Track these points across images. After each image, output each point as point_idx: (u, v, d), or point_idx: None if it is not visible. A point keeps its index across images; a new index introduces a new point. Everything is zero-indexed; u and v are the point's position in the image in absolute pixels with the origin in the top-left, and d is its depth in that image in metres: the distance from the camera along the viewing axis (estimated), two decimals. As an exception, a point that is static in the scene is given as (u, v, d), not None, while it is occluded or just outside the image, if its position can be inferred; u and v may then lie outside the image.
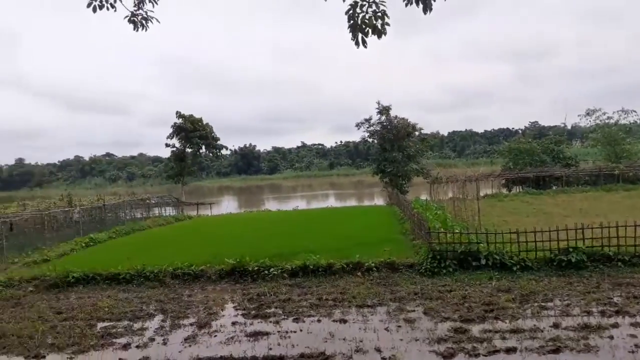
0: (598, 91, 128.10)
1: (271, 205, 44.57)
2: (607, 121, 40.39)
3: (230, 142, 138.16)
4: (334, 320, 8.15)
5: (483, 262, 11.07)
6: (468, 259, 11.28)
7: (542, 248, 11.20)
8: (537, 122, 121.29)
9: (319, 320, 8.20)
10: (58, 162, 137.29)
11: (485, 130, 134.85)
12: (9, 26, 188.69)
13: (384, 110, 36.28)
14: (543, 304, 8.48)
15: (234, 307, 9.44)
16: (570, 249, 10.88)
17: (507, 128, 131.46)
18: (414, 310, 8.47)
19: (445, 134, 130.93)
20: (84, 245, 18.85)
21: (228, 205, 48.27)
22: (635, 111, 40.69)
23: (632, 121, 41.30)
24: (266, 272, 11.67)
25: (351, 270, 11.54)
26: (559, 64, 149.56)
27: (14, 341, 7.84)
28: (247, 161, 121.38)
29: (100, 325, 8.60)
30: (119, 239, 20.90)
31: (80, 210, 22.86)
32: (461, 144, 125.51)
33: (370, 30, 6.46)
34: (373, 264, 11.61)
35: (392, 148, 35.18)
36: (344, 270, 11.52)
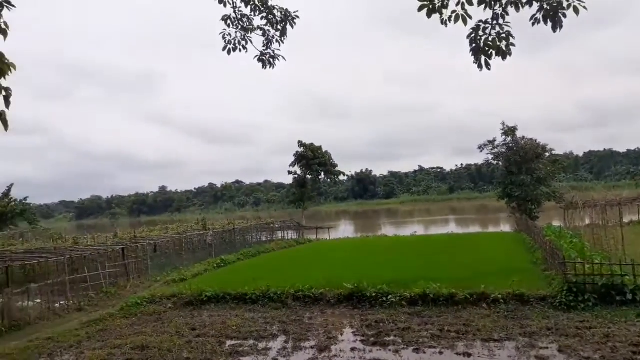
0: None
1: (388, 230, 44.20)
2: None
3: (348, 168, 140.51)
4: (457, 354, 7.78)
5: (629, 296, 9.83)
6: (611, 292, 10.11)
7: None
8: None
9: (440, 353, 7.88)
10: (194, 189, 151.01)
11: (628, 150, 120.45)
12: (155, 66, 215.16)
13: (510, 131, 34.34)
14: None
15: (352, 332, 9.47)
16: None
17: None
18: (547, 348, 7.78)
19: (581, 154, 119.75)
20: (215, 266, 20.35)
21: (345, 230, 48.92)
22: None
23: None
24: (384, 298, 11.55)
25: (475, 302, 10.95)
26: None
27: (156, 353, 8.68)
28: (364, 186, 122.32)
29: (228, 343, 9.17)
30: (246, 261, 22.23)
31: (213, 234, 24.82)
32: (599, 165, 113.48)
33: (494, 52, 6.28)
34: (500, 295, 10.91)
35: (519, 171, 33.01)
36: (468, 301, 10.97)
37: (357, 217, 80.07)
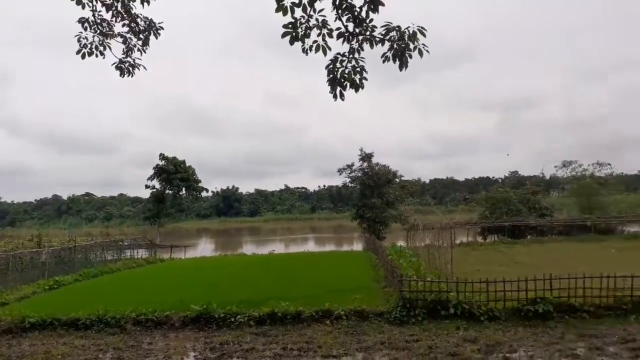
0: (576, 143, 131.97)
1: (248, 248, 44.01)
2: (582, 172, 41.52)
3: (214, 184, 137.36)
4: (295, 371, 7.92)
5: (452, 311, 10.99)
6: (437, 307, 11.21)
7: (510, 298, 11.20)
8: (516, 171, 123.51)
9: (280, 371, 7.96)
10: (35, 200, 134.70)
11: (466, 179, 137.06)
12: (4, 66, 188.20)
13: (366, 157, 36.86)
14: (508, 355, 8.41)
15: (194, 356, 9.14)
16: (538, 300, 10.90)
17: (488, 177, 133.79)
18: (378, 361, 8.30)
19: (427, 181, 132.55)
20: (47, 288, 18.22)
21: (204, 248, 47.50)
22: (609, 164, 41.93)
23: (606, 173, 42.45)
24: (232, 319, 11.38)
25: (320, 319, 11.33)
26: (540, 117, 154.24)
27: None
28: (228, 203, 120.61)
29: (50, 374, 8.21)
30: (86, 282, 20.29)
31: (48, 252, 22.25)
32: (442, 191, 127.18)
33: (348, 84, 6.66)
34: (343, 312, 11.44)
35: (372, 194, 35.49)
36: (313, 319, 11.31)
37: (219, 234, 78.45)
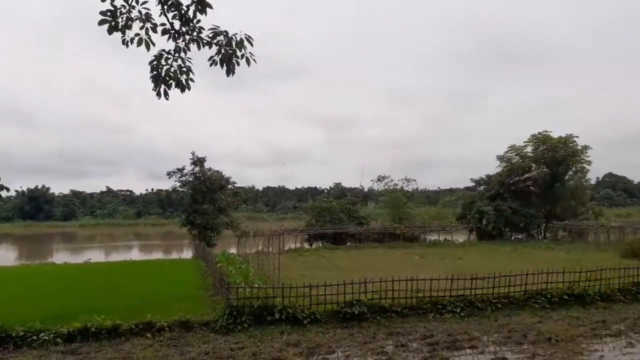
0: (390, 160, 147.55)
1: (60, 257, 39.15)
2: (393, 186, 46.65)
3: (19, 182, 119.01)
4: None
5: (277, 316, 11.27)
6: (263, 313, 11.39)
7: (330, 301, 11.93)
8: (340, 183, 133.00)
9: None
10: None
11: (296, 188, 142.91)
12: None
13: (199, 161, 35.83)
14: (327, 356, 8.93)
15: (-19, 384, 7.75)
16: (354, 302, 11.82)
17: (315, 187, 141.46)
18: (201, 372, 8.07)
19: (260, 188, 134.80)
20: None
21: (4, 256, 40.86)
22: (415, 180, 48.07)
23: (413, 188, 48.44)
24: (35, 337, 9.97)
25: (140, 332, 10.60)
26: (362, 134, 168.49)
27: None
28: (37, 205, 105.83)
29: None
30: None
31: None
32: (274, 199, 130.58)
33: (173, 83, 6.37)
34: (165, 324, 10.88)
35: (203, 200, 34.63)
36: (132, 332, 10.53)
37: (24, 240, 68.23)
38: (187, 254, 37.38)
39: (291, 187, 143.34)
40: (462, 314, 11.92)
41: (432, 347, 9.36)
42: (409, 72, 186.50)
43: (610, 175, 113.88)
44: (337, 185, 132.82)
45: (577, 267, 14.80)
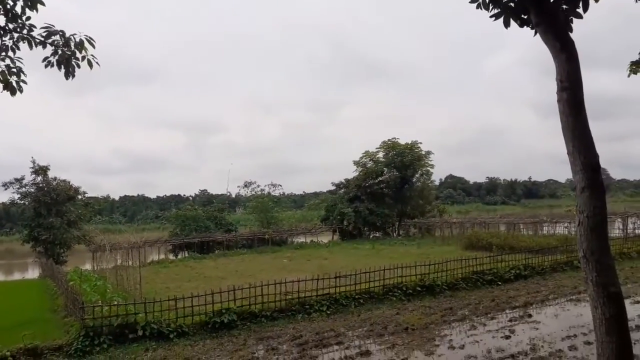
0: (256, 166, 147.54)
1: None
2: (260, 192, 47.01)
3: None
4: None
5: (141, 333, 10.64)
6: (125, 331, 10.66)
7: (198, 312, 11.61)
8: (206, 190, 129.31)
9: None
10: None
11: (158, 196, 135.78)
12: None
13: (41, 170, 32.13)
14: (195, 368, 8.67)
15: None
16: (224, 311, 11.65)
17: (179, 194, 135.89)
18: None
19: (117, 198, 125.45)
20: None
21: None
22: (281, 185, 49.26)
23: (280, 193, 49.30)
24: None
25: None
26: (226, 140, 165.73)
27: None
28: None
29: None
30: None
31: None
32: (133, 209, 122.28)
33: (2, 86, 5.75)
34: (9, 353, 9.61)
35: (49, 213, 31.14)
36: (-37, 369, 9.10)
37: None
38: (33, 273, 33.25)
39: (152, 195, 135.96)
40: (328, 312, 12.46)
41: (302, 347, 9.63)
42: (270, 80, 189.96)
43: (450, 176, 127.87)
44: (203, 192, 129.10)
45: (427, 260, 16.39)
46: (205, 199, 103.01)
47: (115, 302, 11.52)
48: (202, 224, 37.16)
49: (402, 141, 43.90)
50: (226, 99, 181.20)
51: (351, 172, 44.93)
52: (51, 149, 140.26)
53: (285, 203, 53.73)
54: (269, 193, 47.28)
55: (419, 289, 14.36)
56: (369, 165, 44.00)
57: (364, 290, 13.78)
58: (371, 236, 41.85)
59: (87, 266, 28.37)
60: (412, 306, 13.00)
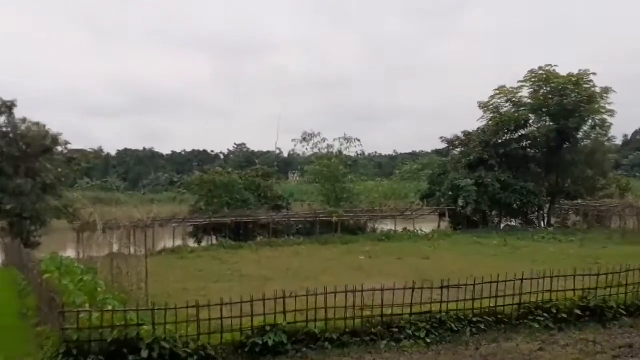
0: (321, 109, 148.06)
1: None
2: (327, 149, 46.91)
3: None
4: None
5: (145, 354, 11.12)
6: (123, 350, 11.19)
7: (231, 328, 11.95)
8: (244, 144, 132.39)
9: None
10: None
11: (173, 152, 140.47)
12: None
13: (4, 108, 34.11)
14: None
15: None
16: (268, 328, 11.92)
17: (204, 150, 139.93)
18: None
19: (114, 152, 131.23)
20: None
21: None
22: (359, 140, 48.16)
23: (357, 152, 48.56)
24: None
25: None
26: (274, 67, 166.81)
27: None
28: None
29: None
30: None
31: None
32: (137, 169, 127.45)
33: None
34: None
35: (16, 171, 33.17)
36: None
37: None
38: (-6, 258, 35.90)
39: (164, 150, 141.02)
40: (428, 340, 12.40)
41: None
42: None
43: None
44: (240, 147, 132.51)
45: (595, 267, 15.80)
46: (244, 158, 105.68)
47: (110, 307, 12.08)
48: (238, 196, 38.11)
49: (562, 71, 42.31)
50: (275, 2, 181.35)
51: (474, 121, 44.10)
52: (19, 77, 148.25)
53: (365, 168, 53.67)
54: (339, 152, 47.13)
55: (578, 312, 13.96)
56: (505, 109, 42.89)
57: (488, 310, 13.58)
58: (503, 225, 41.16)
59: (70, 252, 29.99)
60: (566, 339, 12.68)
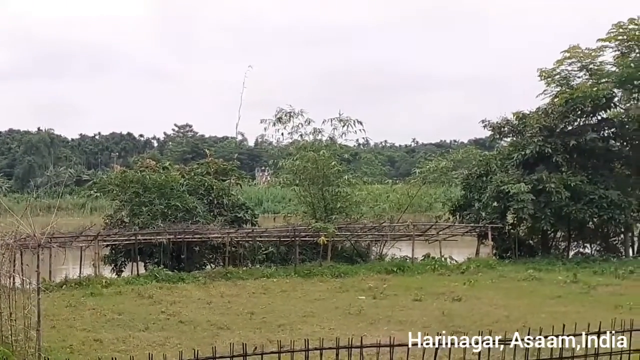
0: (305, 75, 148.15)
1: None
2: (313, 135, 46.74)
3: None
4: None
5: None
6: None
7: (164, 400, 11.96)
8: (189, 126, 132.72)
9: None
10: None
11: (84, 136, 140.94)
12: None
13: None
14: None
15: None
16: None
17: (129, 133, 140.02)
18: None
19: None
20: None
21: None
22: (360, 123, 47.15)
23: (358, 140, 48.81)
24: None
25: None
26: (242, 10, 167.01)
27: None
28: None
29: None
30: None
31: None
32: (27, 160, 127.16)
33: None
34: None
35: None
36: None
37: None
38: None
39: (71, 133, 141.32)
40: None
41: None
42: None
43: None
44: (183, 130, 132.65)
45: None
46: (189, 146, 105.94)
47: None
48: (179, 204, 37.88)
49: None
50: None
51: (532, 98, 44.09)
52: None
53: (369, 164, 53.56)
54: (331, 140, 46.67)
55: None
56: (578, 81, 42.68)
57: (549, 378, 13.62)
58: (572, 252, 41.27)
59: None
60: None
